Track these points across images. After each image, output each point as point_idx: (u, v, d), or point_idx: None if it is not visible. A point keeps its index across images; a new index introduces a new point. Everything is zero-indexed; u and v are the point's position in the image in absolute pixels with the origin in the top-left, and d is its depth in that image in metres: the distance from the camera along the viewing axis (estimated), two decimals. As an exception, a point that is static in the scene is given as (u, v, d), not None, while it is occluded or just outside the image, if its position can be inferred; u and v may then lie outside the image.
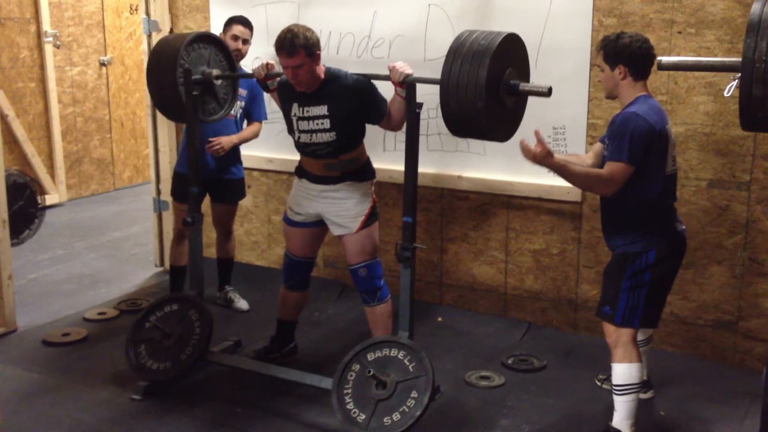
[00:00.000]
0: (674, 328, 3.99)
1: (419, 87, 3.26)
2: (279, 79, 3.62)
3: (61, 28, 7.07)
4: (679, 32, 3.73)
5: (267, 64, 3.60)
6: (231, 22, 4.37)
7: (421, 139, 3.25)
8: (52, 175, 7.08)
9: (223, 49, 3.93)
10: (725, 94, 2.74)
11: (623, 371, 3.08)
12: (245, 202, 5.11)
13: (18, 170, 6.09)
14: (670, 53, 3.73)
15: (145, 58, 5.03)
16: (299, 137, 3.55)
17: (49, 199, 6.81)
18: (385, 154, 4.39)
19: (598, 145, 3.28)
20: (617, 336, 3.10)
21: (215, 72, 3.81)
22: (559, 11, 3.95)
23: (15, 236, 5.10)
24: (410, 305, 3.33)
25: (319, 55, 3.40)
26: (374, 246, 3.64)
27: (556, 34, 3.96)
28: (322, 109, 3.46)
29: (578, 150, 4.00)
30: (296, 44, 3.29)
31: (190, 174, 3.91)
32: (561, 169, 3.03)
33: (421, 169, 3.29)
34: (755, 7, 2.38)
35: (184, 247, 4.51)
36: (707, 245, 3.85)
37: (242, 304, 4.69)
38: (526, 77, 3.20)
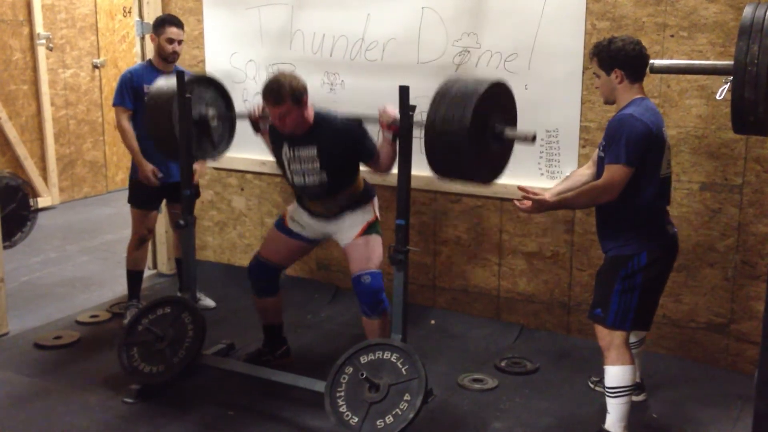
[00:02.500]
0: (666, 331, 4.00)
1: (413, 89, 3.25)
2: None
3: (54, 31, 7.05)
4: (672, 35, 3.74)
5: (263, 108, 3.57)
6: (164, 23, 4.30)
7: (415, 142, 3.25)
8: (45, 178, 7.06)
9: (222, 93, 3.91)
10: (717, 97, 2.74)
11: (616, 374, 3.09)
12: (238, 205, 5.11)
13: (10, 173, 6.06)
14: (662, 56, 3.74)
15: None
16: (293, 179, 3.57)
17: (42, 202, 6.77)
18: (378, 157, 4.38)
19: (595, 153, 3.28)
20: (610, 338, 3.10)
21: (211, 112, 3.82)
22: (552, 14, 3.95)
23: (7, 239, 5.07)
24: (403, 308, 3.32)
25: (306, 101, 3.39)
26: (378, 257, 3.61)
27: (549, 37, 3.97)
28: (312, 150, 3.46)
29: (571, 153, 4.00)
30: (282, 94, 3.30)
31: (182, 176, 3.90)
32: (560, 206, 3.15)
33: (414, 172, 3.29)
34: (747, 11, 2.39)
35: (142, 252, 4.56)
36: (699, 248, 3.86)
37: (208, 302, 4.70)
38: (512, 124, 3.20)
